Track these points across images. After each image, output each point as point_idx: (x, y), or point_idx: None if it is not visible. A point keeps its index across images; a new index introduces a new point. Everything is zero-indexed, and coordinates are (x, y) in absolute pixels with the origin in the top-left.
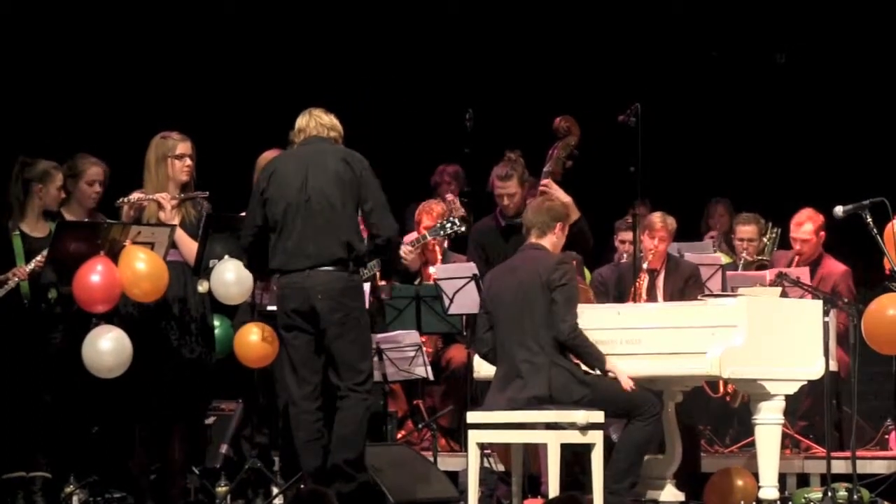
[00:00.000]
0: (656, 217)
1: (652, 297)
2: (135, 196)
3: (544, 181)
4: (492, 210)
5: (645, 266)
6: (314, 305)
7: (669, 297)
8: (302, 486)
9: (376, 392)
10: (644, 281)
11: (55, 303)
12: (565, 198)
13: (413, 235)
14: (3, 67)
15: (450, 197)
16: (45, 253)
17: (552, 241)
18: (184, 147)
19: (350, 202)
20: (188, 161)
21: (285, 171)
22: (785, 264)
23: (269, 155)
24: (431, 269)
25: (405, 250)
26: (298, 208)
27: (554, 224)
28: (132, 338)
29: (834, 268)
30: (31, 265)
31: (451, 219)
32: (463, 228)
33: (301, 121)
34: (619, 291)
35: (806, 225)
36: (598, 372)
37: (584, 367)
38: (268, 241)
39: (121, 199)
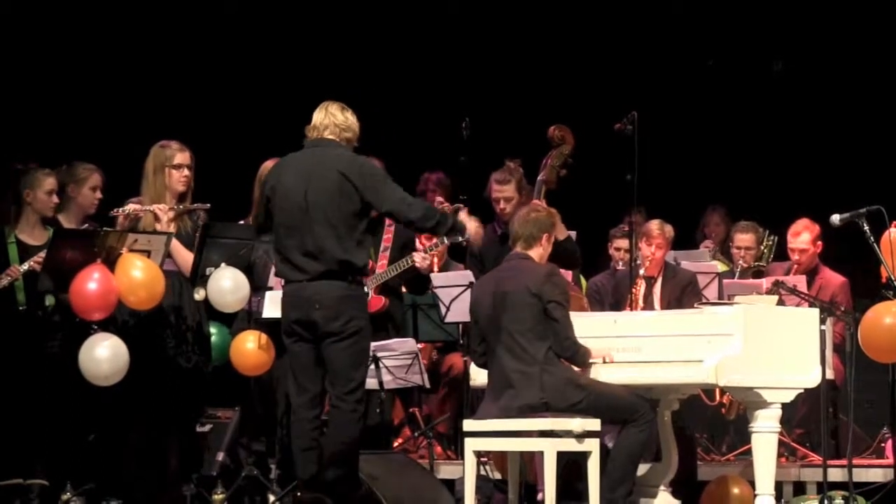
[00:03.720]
0: (654, 225)
1: (649, 304)
2: (129, 207)
3: (535, 202)
4: (488, 218)
5: (642, 273)
6: (312, 315)
7: (667, 304)
8: (298, 493)
9: (373, 402)
10: (641, 288)
11: (52, 310)
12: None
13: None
14: (1, 74)
15: (438, 199)
16: (41, 254)
17: (538, 251)
18: (182, 157)
19: (350, 215)
20: (186, 171)
21: (287, 180)
22: (782, 274)
23: (270, 164)
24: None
25: (419, 258)
26: (300, 221)
27: (541, 235)
28: (129, 346)
29: (832, 278)
30: (26, 265)
31: None
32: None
33: (316, 117)
34: (615, 299)
35: (803, 235)
36: (595, 371)
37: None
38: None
39: (115, 210)
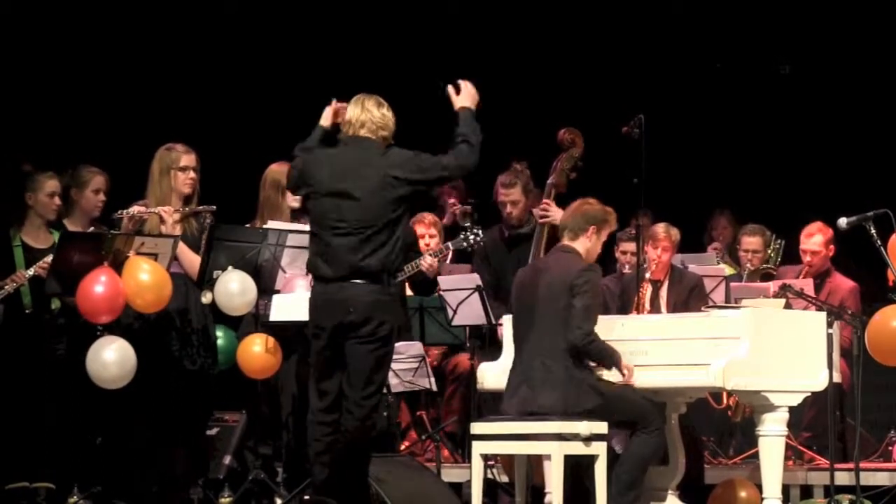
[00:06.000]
0: (660, 228)
1: (655, 308)
2: (134, 209)
3: (545, 202)
4: (495, 221)
5: (648, 276)
6: (346, 319)
7: (673, 308)
8: (306, 497)
9: (380, 405)
10: (647, 292)
11: (58, 313)
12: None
13: None
14: (5, 77)
15: (451, 200)
16: (47, 259)
17: (585, 244)
18: (188, 159)
19: (388, 218)
20: (192, 174)
21: (324, 177)
22: (794, 278)
23: (276, 167)
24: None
25: (426, 262)
26: (337, 220)
27: (587, 227)
28: (135, 349)
29: (842, 283)
30: (32, 270)
31: (475, 230)
32: (481, 234)
33: (351, 111)
34: (622, 303)
35: (816, 236)
36: (615, 375)
37: (599, 374)
38: None
39: (119, 212)
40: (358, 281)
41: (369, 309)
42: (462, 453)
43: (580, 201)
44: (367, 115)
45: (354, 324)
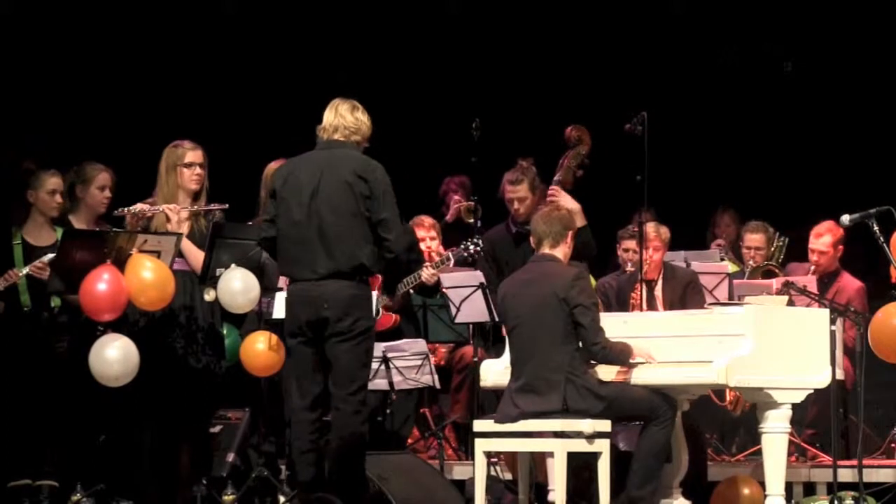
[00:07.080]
0: (649, 227)
1: (651, 307)
2: (137, 207)
3: (553, 188)
4: (501, 218)
5: (640, 277)
6: (322, 315)
7: (669, 305)
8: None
9: (372, 402)
10: (642, 292)
11: (59, 311)
12: (574, 205)
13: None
14: (10, 74)
15: (456, 197)
16: (43, 259)
17: (563, 250)
18: (194, 156)
19: (361, 217)
20: (198, 170)
21: (299, 178)
22: (803, 275)
23: (275, 166)
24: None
25: (426, 274)
26: (310, 219)
27: (566, 233)
28: (140, 347)
29: (849, 283)
30: (27, 269)
31: (475, 240)
32: (481, 244)
33: (326, 117)
34: (618, 302)
35: (825, 237)
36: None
37: (601, 376)
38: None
39: (122, 209)
40: (332, 278)
41: (345, 304)
42: (465, 450)
43: (548, 208)
44: (339, 119)
45: (331, 320)
